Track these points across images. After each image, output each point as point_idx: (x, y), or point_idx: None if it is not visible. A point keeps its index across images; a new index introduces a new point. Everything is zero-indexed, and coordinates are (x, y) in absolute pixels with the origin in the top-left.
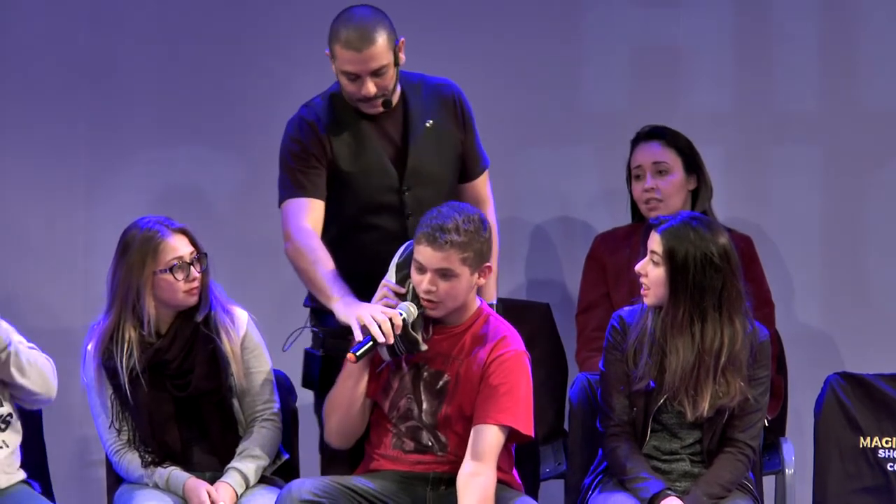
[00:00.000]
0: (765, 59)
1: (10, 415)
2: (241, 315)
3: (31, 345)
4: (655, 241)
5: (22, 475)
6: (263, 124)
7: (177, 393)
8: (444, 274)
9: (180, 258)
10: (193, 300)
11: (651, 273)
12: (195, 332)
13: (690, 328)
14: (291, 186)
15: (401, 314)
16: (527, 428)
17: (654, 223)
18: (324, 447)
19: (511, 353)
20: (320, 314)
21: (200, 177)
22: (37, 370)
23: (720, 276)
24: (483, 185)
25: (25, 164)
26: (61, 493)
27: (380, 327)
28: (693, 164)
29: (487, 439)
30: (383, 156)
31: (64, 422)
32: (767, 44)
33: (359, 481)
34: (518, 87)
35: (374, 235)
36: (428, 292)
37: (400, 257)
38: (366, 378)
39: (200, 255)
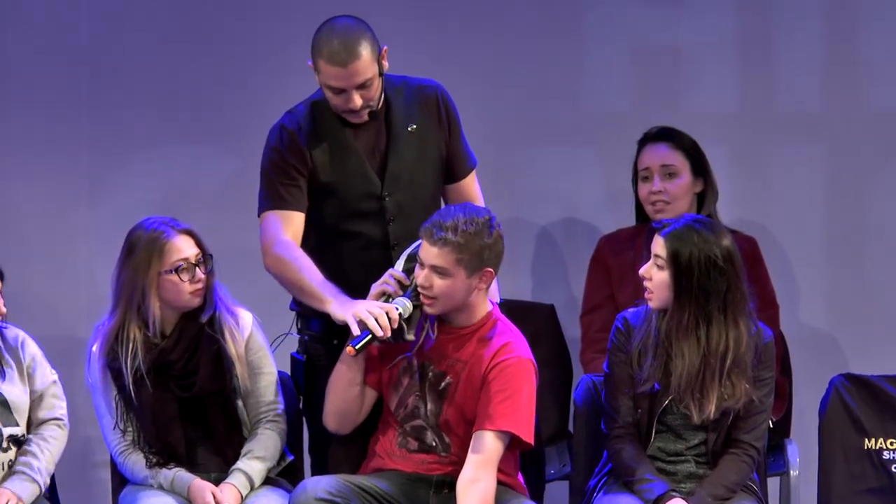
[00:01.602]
0: (768, 59)
1: (23, 435)
2: (246, 316)
3: (56, 419)
4: (659, 245)
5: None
6: (266, 125)
7: (181, 394)
8: (438, 271)
9: (186, 259)
10: (198, 301)
11: (655, 276)
12: (200, 333)
13: (696, 331)
14: (271, 198)
15: (397, 308)
16: (527, 435)
17: (658, 227)
18: (314, 450)
19: (514, 359)
20: (305, 318)
21: (203, 177)
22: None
23: (724, 279)
24: (471, 184)
25: (28, 164)
26: (66, 494)
27: (376, 321)
28: (700, 166)
29: (487, 445)
30: (365, 163)
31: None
32: (771, 43)
33: (368, 481)
34: (520, 88)
35: (355, 242)
36: (423, 287)
37: (412, 250)
38: (362, 364)
39: (206, 257)
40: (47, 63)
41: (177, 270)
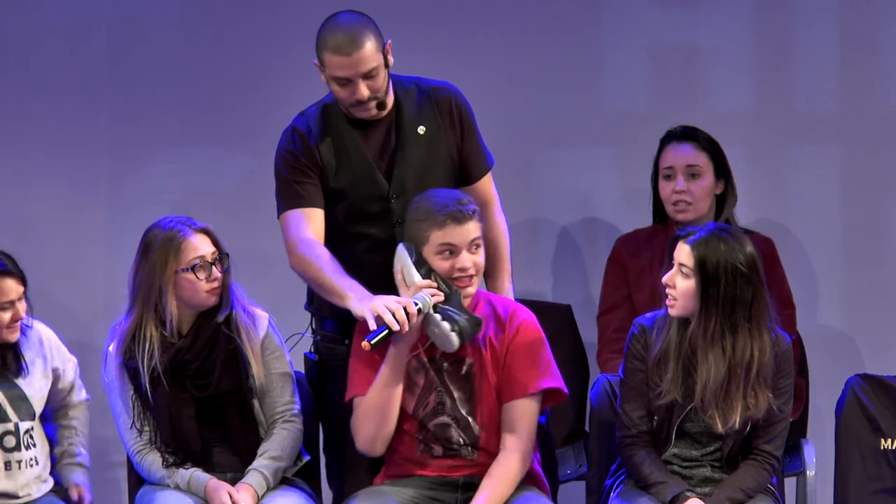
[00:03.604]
0: (786, 60)
1: (31, 428)
2: (262, 316)
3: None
4: (685, 253)
5: (51, 484)
6: (284, 126)
7: (197, 393)
8: (477, 244)
9: (202, 257)
10: (214, 300)
11: (680, 285)
12: (216, 333)
13: (722, 341)
14: (289, 197)
15: (416, 303)
16: (562, 385)
17: (682, 234)
18: (329, 449)
19: (526, 322)
20: (319, 318)
21: (221, 178)
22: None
23: (750, 288)
24: (487, 184)
25: (46, 166)
26: None
27: (394, 316)
28: (722, 168)
29: (524, 412)
30: (372, 166)
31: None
32: (788, 44)
33: (398, 493)
34: (539, 89)
35: (364, 244)
36: (465, 270)
37: (411, 257)
38: (402, 384)
39: (222, 255)
40: (66, 64)
41: (193, 269)
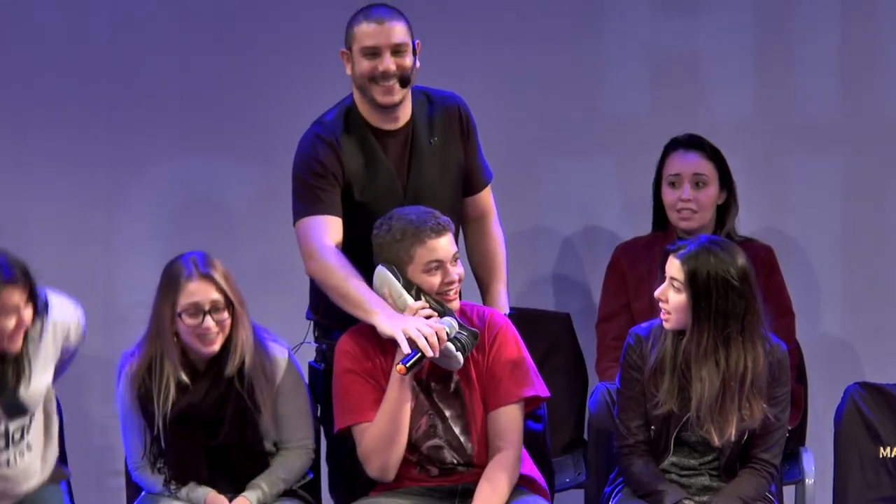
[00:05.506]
0: (786, 68)
1: (24, 425)
2: (281, 358)
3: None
4: (675, 267)
5: (50, 468)
6: (288, 135)
7: (206, 442)
8: (456, 257)
9: (195, 304)
10: (210, 349)
11: (672, 299)
12: (228, 389)
13: (715, 355)
14: (311, 203)
15: (446, 329)
16: (543, 390)
17: (672, 248)
18: (332, 458)
19: (502, 327)
20: (324, 327)
21: (221, 188)
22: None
23: (743, 301)
24: (487, 196)
25: (46, 175)
26: (81, 501)
27: (426, 340)
28: (726, 178)
29: (510, 420)
30: (395, 178)
31: (84, 430)
32: (788, 52)
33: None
34: (540, 98)
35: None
36: (453, 282)
37: (398, 279)
38: (409, 407)
39: (229, 304)
40: (67, 74)
41: (181, 315)
